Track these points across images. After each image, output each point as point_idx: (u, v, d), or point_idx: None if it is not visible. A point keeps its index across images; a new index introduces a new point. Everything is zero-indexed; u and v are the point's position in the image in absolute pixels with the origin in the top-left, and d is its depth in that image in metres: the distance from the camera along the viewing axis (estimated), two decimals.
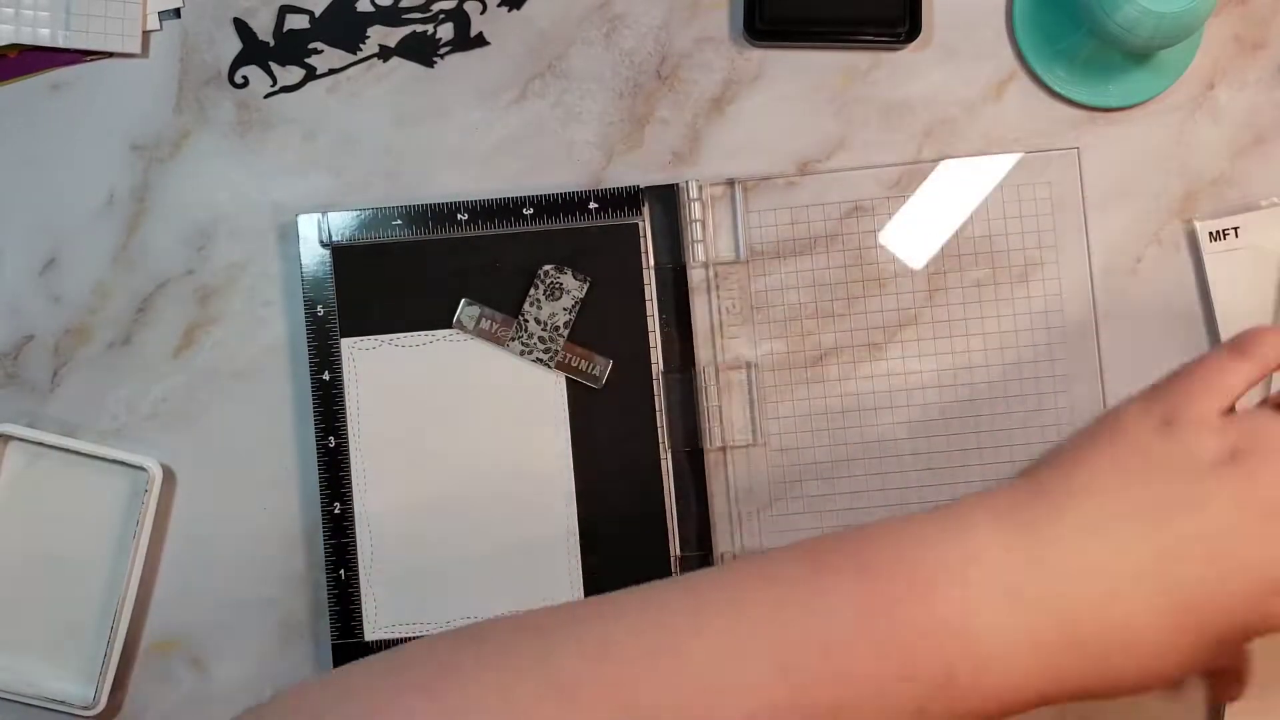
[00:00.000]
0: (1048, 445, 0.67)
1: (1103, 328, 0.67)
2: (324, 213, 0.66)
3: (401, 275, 0.66)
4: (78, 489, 0.66)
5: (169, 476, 0.67)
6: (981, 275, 0.68)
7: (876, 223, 0.68)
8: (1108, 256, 0.68)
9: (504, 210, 0.66)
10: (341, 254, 0.66)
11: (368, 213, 0.66)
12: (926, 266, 0.68)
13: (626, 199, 0.66)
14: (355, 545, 0.66)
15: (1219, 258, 0.67)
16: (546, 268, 0.66)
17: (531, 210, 0.66)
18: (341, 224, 0.66)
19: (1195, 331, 0.68)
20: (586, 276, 0.66)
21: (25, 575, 0.66)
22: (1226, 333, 0.67)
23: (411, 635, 0.65)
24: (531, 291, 0.66)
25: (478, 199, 0.66)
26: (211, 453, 0.67)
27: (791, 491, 0.67)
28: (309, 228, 0.66)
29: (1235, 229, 0.67)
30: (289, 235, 0.67)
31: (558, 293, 0.66)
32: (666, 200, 0.67)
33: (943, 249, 0.68)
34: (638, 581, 0.65)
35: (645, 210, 0.67)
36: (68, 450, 0.66)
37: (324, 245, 0.66)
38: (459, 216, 0.66)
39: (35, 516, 0.66)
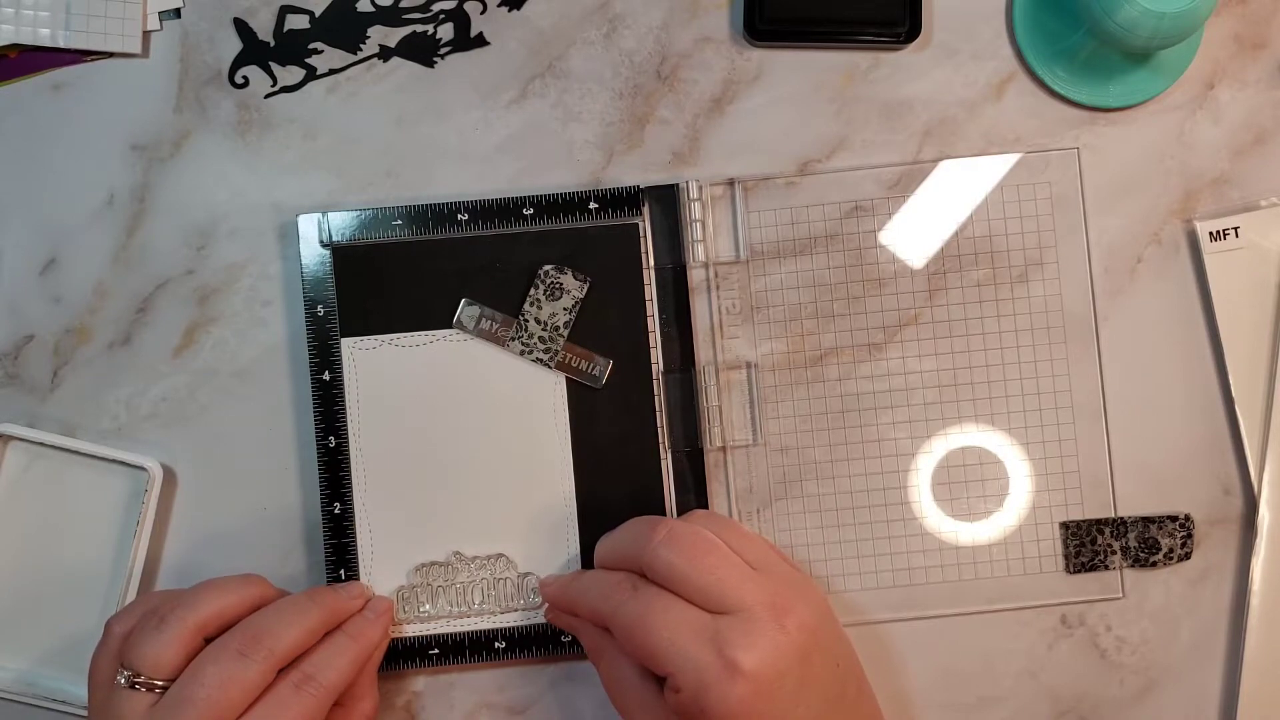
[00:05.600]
0: (1048, 444, 0.67)
1: (1103, 328, 0.67)
2: (324, 213, 0.66)
3: (402, 275, 0.66)
4: (78, 489, 0.66)
5: (169, 476, 0.67)
6: (981, 275, 0.68)
7: (876, 223, 0.68)
8: (1108, 256, 0.68)
9: (504, 210, 0.66)
10: (342, 254, 0.66)
11: (368, 213, 0.66)
12: (926, 266, 0.68)
13: (626, 199, 0.66)
14: (355, 545, 0.66)
15: (1219, 258, 0.67)
16: (546, 268, 0.66)
17: (531, 210, 0.66)
18: (342, 224, 0.66)
19: (1195, 331, 0.68)
20: (586, 276, 0.66)
21: (25, 575, 0.66)
22: (1227, 333, 0.67)
23: (411, 636, 0.65)
24: (531, 291, 0.66)
25: (478, 199, 0.66)
26: (211, 453, 0.67)
27: (791, 491, 0.67)
28: (309, 228, 0.66)
29: (1235, 229, 0.67)
30: (289, 235, 0.67)
31: (558, 293, 0.66)
32: (666, 200, 0.67)
33: (943, 249, 0.68)
34: None
35: (645, 210, 0.67)
36: (68, 450, 0.66)
37: (324, 245, 0.66)
38: (459, 216, 0.66)
39: (35, 516, 0.66)
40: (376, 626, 0.64)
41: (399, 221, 0.66)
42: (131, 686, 0.58)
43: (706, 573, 0.58)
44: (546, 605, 0.65)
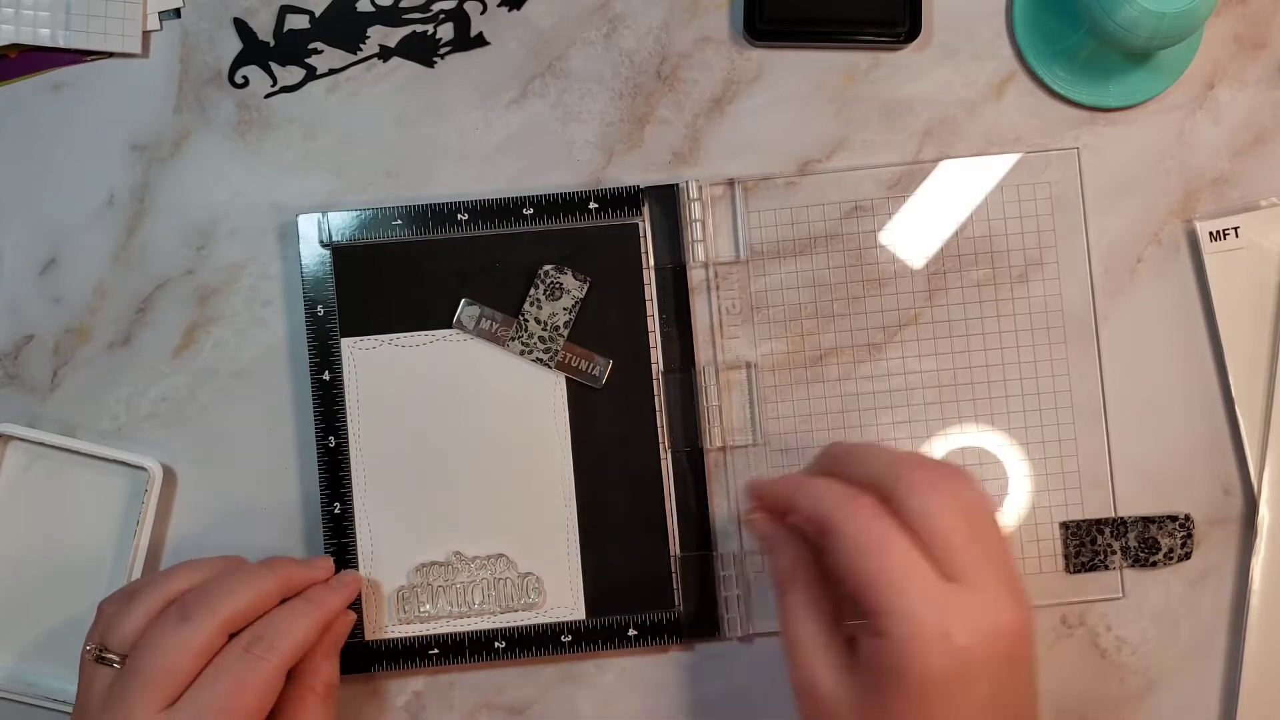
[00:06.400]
0: (1048, 444, 0.67)
1: (1103, 328, 0.67)
2: (324, 213, 0.66)
3: (402, 275, 0.66)
4: (78, 489, 0.66)
5: (169, 476, 0.67)
6: (981, 275, 0.68)
7: (876, 223, 0.68)
8: (1108, 256, 0.68)
9: (504, 210, 0.66)
10: (342, 254, 0.66)
11: (368, 213, 0.66)
12: (926, 266, 0.68)
13: (626, 199, 0.66)
14: (355, 545, 0.66)
15: (1219, 258, 0.67)
16: (546, 268, 0.66)
17: (531, 210, 0.66)
18: (342, 224, 0.66)
19: (1195, 331, 0.68)
20: (586, 276, 0.66)
21: (25, 575, 0.66)
22: (1227, 333, 0.67)
23: (411, 636, 0.65)
24: (531, 291, 0.66)
25: (477, 199, 0.66)
26: (211, 453, 0.67)
27: None
28: (309, 227, 0.66)
29: (1235, 229, 0.67)
30: (289, 235, 0.67)
31: (558, 293, 0.66)
32: (666, 200, 0.67)
33: (943, 249, 0.68)
34: (638, 581, 0.66)
35: (645, 210, 0.67)
36: (68, 450, 0.66)
37: (324, 245, 0.66)
38: (459, 216, 0.66)
39: (35, 516, 0.66)
40: (338, 595, 0.62)
41: (399, 221, 0.66)
42: (98, 660, 0.57)
43: (957, 533, 0.53)
44: (752, 507, 0.60)
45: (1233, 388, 0.67)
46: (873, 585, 0.52)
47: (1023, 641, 0.53)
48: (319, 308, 0.66)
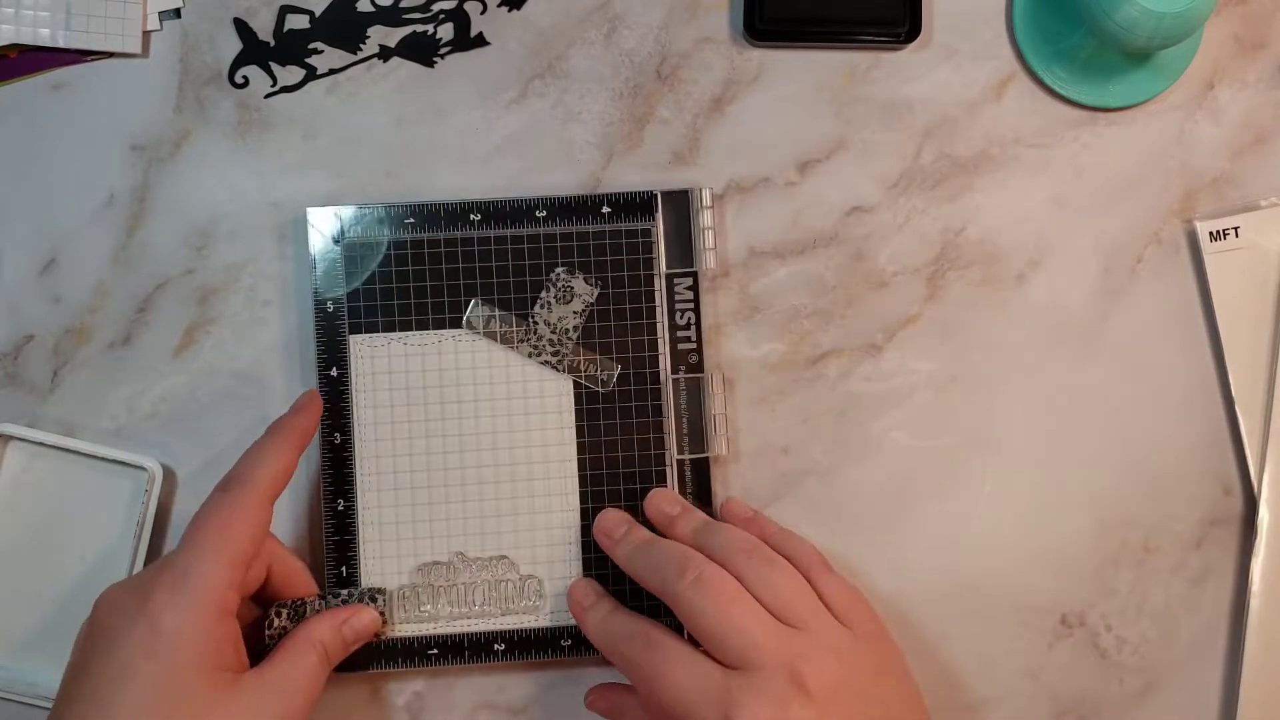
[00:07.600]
0: (1048, 445, 0.67)
1: (1103, 328, 0.67)
2: (337, 208, 0.66)
3: (413, 274, 0.66)
4: (78, 489, 0.66)
5: (169, 476, 0.66)
6: (981, 275, 0.68)
7: (876, 223, 0.68)
8: (1108, 256, 0.68)
9: (517, 212, 0.66)
10: (353, 250, 0.66)
11: (380, 210, 0.66)
12: (926, 266, 0.68)
13: (640, 204, 0.66)
14: (358, 543, 0.66)
15: (1219, 258, 0.67)
16: (558, 270, 0.66)
17: (544, 212, 0.66)
18: (354, 220, 0.66)
19: (1195, 331, 0.68)
20: (597, 280, 0.66)
21: (25, 575, 0.66)
22: (1227, 333, 0.67)
23: (410, 636, 0.65)
24: (542, 294, 0.66)
25: (490, 199, 0.66)
26: (211, 453, 0.67)
27: (791, 491, 0.67)
28: (321, 223, 0.66)
29: (1235, 229, 0.67)
30: (290, 235, 0.67)
31: (568, 296, 0.66)
32: (679, 205, 0.67)
33: (943, 249, 0.68)
34: (639, 587, 0.65)
35: (659, 215, 0.67)
36: (68, 450, 0.65)
37: (336, 241, 0.66)
38: (472, 217, 0.66)
39: (35, 516, 0.66)
40: (295, 414, 0.63)
41: (411, 220, 0.66)
42: None
43: (728, 624, 0.56)
44: (589, 694, 0.65)
45: (1233, 388, 0.67)
46: (667, 714, 0.57)
47: (837, 696, 0.56)
48: (329, 303, 0.66)
